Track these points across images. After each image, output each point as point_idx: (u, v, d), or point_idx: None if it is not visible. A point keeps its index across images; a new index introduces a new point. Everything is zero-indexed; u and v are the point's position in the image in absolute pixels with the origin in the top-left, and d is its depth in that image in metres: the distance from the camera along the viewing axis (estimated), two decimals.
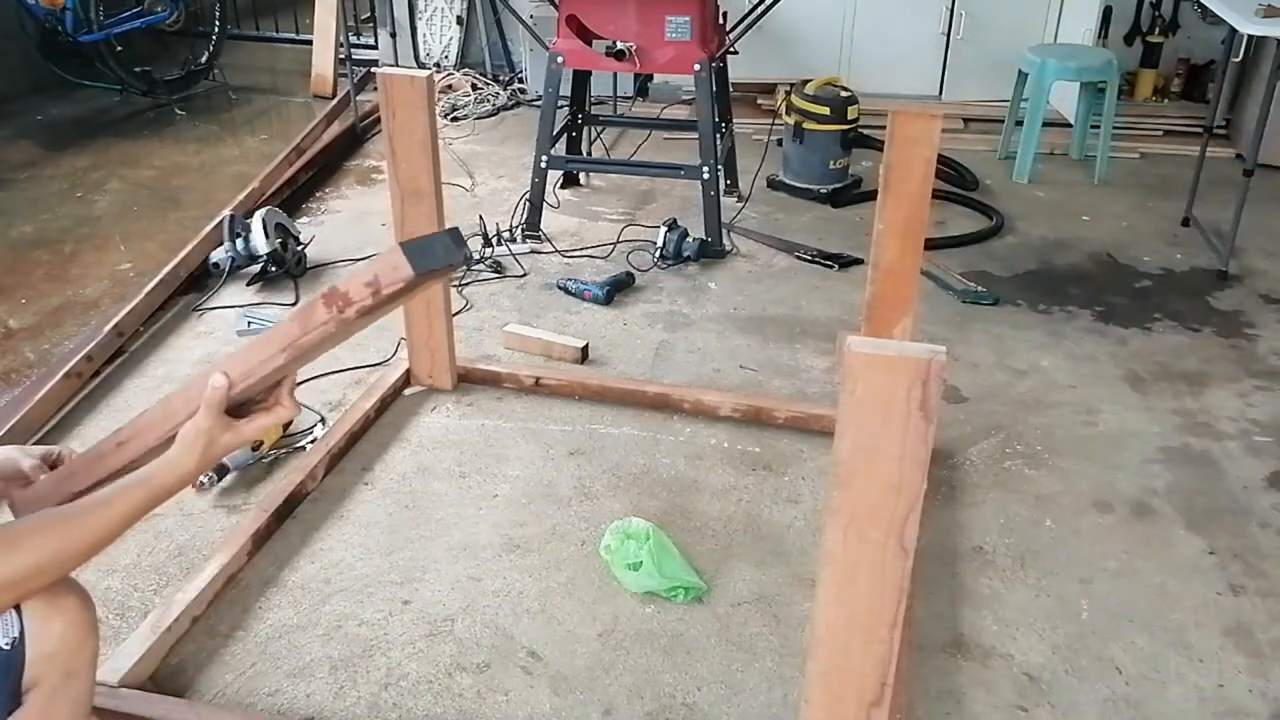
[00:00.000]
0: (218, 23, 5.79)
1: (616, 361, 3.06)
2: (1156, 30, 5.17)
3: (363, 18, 6.04)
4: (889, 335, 2.45)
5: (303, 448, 2.59)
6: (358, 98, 4.90)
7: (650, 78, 5.17)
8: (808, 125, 4.19)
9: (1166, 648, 2.06)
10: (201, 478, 2.40)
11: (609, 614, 2.10)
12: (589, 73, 4.02)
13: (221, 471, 2.45)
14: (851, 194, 4.27)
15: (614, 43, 3.52)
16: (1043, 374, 3.02)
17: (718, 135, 3.77)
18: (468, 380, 2.89)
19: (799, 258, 3.72)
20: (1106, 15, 5.03)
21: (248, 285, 3.41)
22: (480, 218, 3.72)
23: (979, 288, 3.49)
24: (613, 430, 2.71)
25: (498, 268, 3.58)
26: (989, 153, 4.72)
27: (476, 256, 3.59)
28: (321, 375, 2.90)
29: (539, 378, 2.85)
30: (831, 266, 3.65)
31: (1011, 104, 4.65)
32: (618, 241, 3.76)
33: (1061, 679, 1.98)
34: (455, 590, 2.16)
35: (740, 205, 4.09)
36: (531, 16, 4.69)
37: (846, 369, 1.13)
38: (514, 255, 3.63)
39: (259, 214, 3.50)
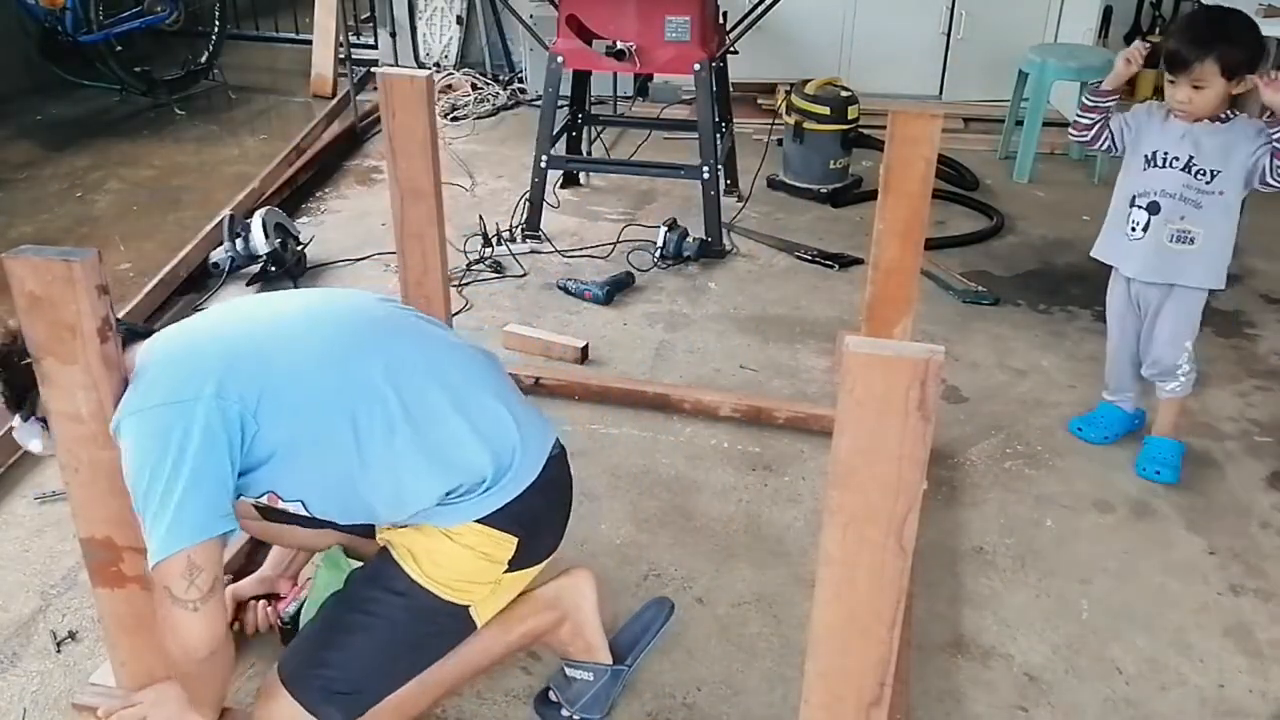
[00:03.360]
0: (217, 23, 5.79)
1: (616, 361, 3.06)
2: (1157, 30, 5.16)
3: (363, 18, 6.04)
4: (889, 335, 2.45)
5: None
6: (358, 98, 4.90)
7: (650, 78, 5.15)
8: (808, 125, 4.18)
9: (1166, 648, 2.06)
10: None
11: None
12: (589, 73, 4.01)
13: None
14: (851, 194, 4.26)
15: (614, 43, 3.51)
16: (1043, 374, 3.02)
17: (718, 135, 3.77)
18: None
19: (799, 258, 3.72)
20: (1107, 15, 5.02)
21: (247, 285, 3.41)
22: (480, 217, 3.71)
23: (979, 288, 3.48)
24: (613, 430, 2.71)
25: (498, 268, 3.57)
26: (989, 153, 4.72)
27: (476, 256, 3.60)
28: None
29: (539, 378, 2.85)
30: (831, 266, 3.65)
31: (1011, 104, 4.64)
32: (618, 241, 3.76)
33: (1062, 679, 1.98)
34: None
35: (740, 205, 4.09)
36: (531, 16, 4.69)
37: (845, 369, 1.13)
38: (514, 255, 3.63)
39: (259, 214, 3.50)
